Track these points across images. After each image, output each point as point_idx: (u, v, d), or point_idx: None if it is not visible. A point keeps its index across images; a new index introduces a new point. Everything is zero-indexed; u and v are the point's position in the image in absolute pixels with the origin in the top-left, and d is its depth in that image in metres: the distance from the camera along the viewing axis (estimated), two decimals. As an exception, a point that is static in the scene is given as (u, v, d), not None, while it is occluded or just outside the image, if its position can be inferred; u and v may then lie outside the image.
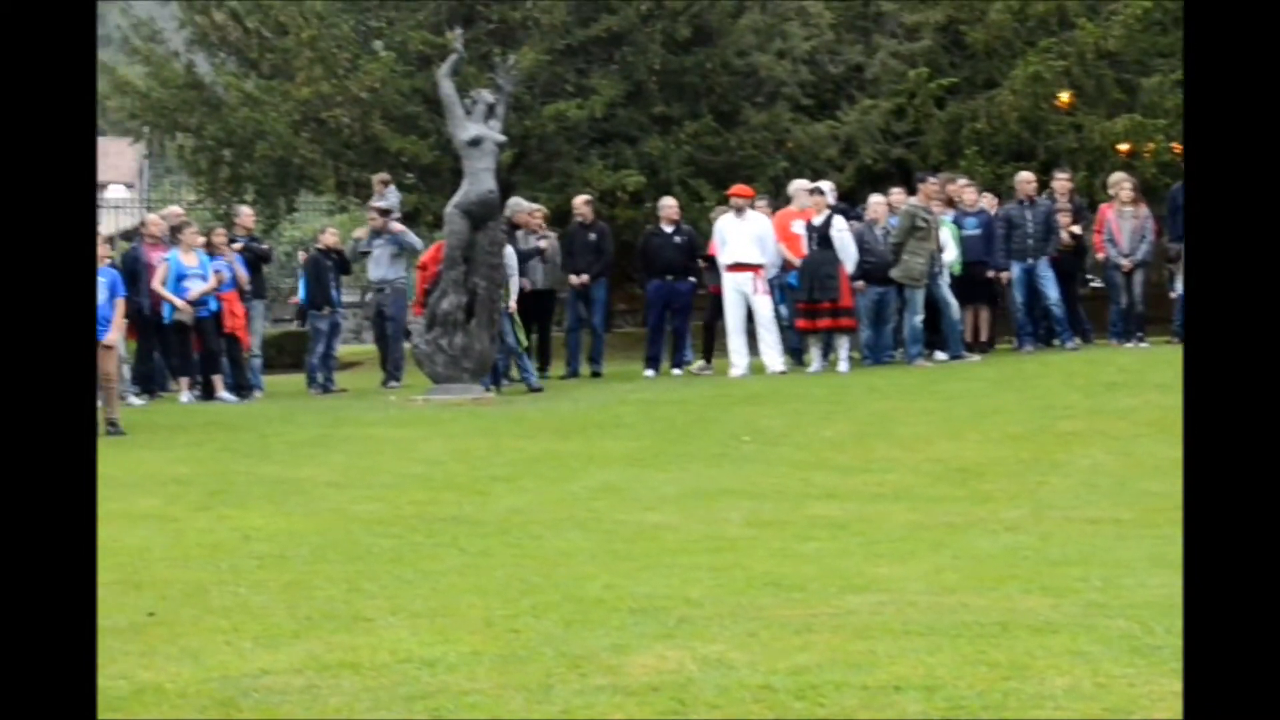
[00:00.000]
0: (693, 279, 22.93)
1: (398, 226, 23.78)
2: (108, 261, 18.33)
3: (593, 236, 23.45)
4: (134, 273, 21.29)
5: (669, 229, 22.99)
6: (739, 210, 21.58)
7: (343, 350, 26.73)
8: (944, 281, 21.16)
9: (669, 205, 23.42)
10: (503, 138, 21.08)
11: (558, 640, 7.50)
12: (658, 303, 23.02)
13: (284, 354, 29.89)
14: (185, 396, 21.29)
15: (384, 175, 25.98)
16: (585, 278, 23.08)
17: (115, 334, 17.88)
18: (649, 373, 22.61)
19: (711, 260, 22.24)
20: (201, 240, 21.96)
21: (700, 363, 22.61)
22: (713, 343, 22.84)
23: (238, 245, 22.55)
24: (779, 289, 21.80)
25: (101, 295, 17.54)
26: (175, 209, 25.75)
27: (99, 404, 17.48)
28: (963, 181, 23.43)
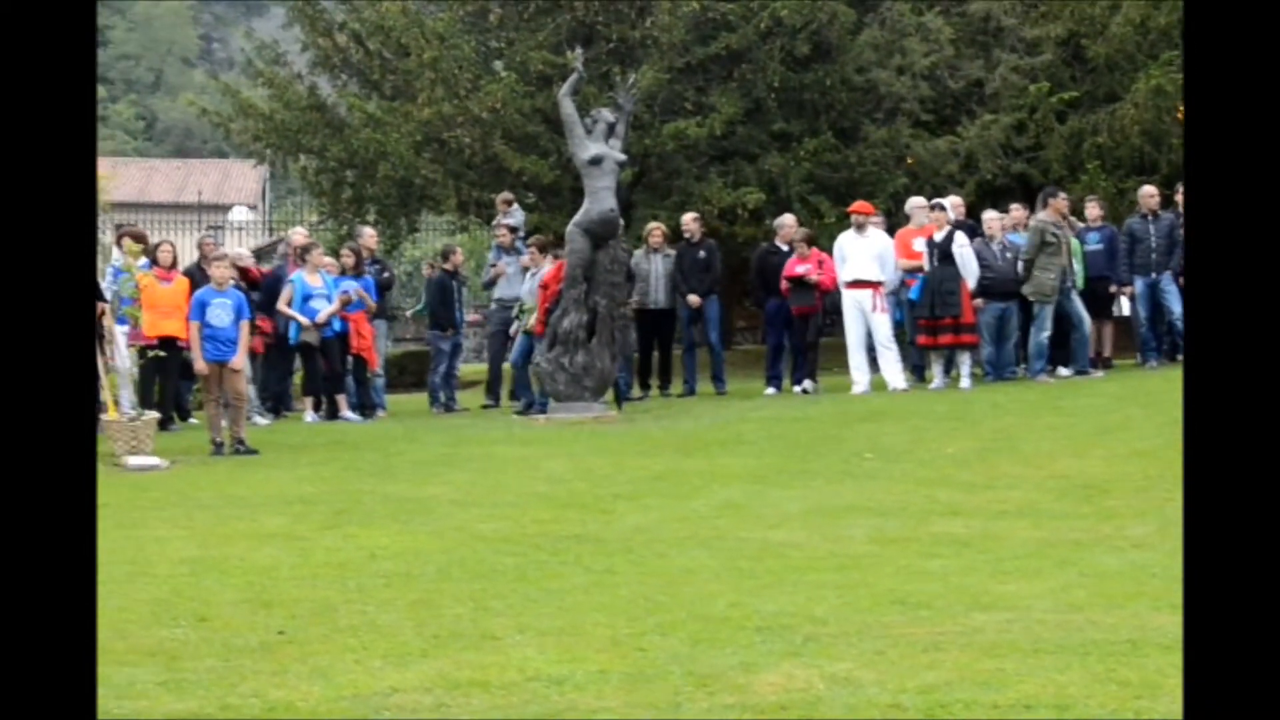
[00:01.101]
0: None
1: (528, 260, 23.74)
2: (231, 283, 18.49)
3: (701, 254, 23.46)
4: (274, 292, 21.57)
5: (785, 247, 22.95)
6: (859, 227, 21.55)
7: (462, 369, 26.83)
8: (1075, 296, 21.08)
9: (786, 224, 23.40)
10: (623, 156, 21.12)
11: (685, 659, 7.51)
12: (777, 321, 22.98)
13: (406, 374, 30.10)
14: (310, 416, 21.47)
15: (507, 195, 26.10)
16: (696, 297, 23.07)
17: (242, 356, 18.04)
18: (770, 391, 22.61)
19: (794, 281, 22.14)
20: (330, 261, 22.18)
21: (809, 383, 22.51)
22: (815, 362, 22.78)
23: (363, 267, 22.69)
24: (899, 304, 21.75)
25: (228, 317, 17.72)
26: (300, 230, 25.96)
27: (225, 423, 17.69)
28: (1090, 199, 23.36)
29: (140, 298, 19.68)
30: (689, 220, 23.97)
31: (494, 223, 25.75)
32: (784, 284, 22.32)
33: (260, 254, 40.52)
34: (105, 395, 18.18)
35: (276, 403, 22.35)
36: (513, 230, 24.19)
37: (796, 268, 22.13)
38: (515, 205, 25.99)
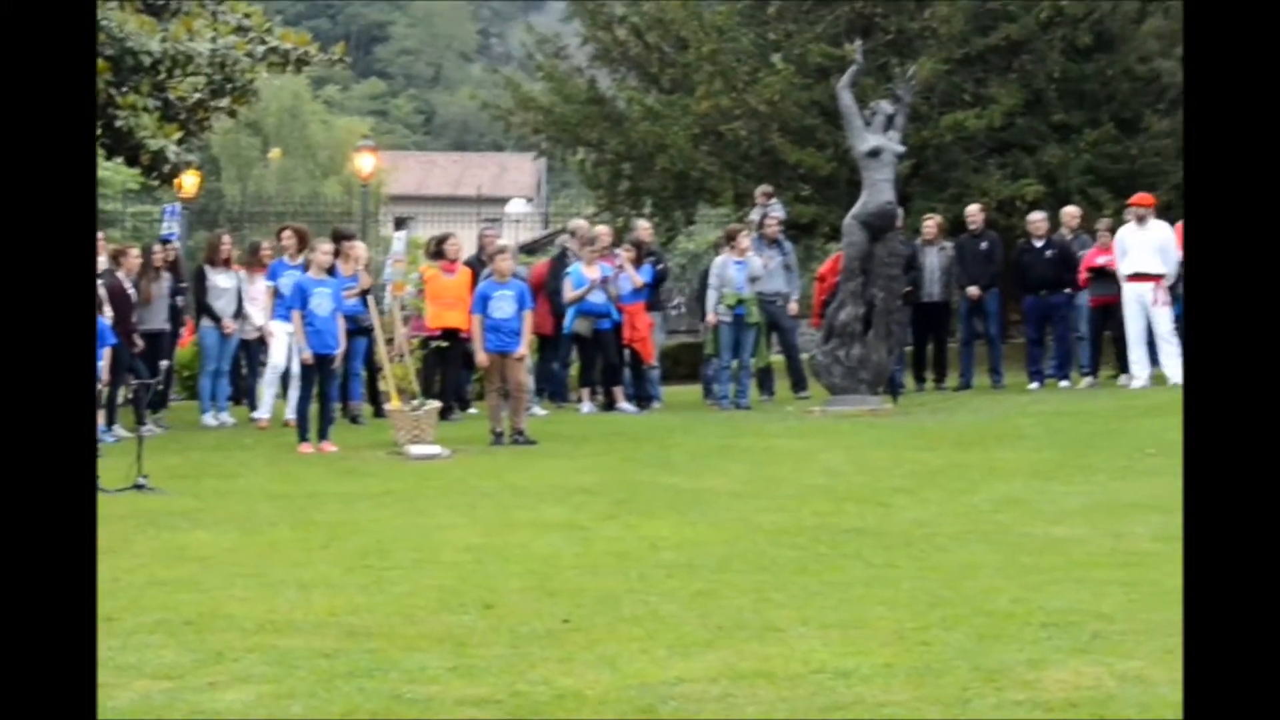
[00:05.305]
0: (1068, 291, 22.55)
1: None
2: (513, 275, 18.70)
3: (984, 245, 23.29)
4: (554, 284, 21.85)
5: (1039, 243, 22.75)
6: (1140, 219, 21.25)
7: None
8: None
9: (1035, 219, 23.16)
10: (901, 148, 21.03)
11: (971, 654, 7.48)
12: (1035, 317, 22.82)
13: (679, 365, 30.16)
14: (586, 407, 21.64)
15: (766, 187, 25.92)
16: (975, 289, 22.92)
17: (524, 347, 18.25)
18: (1033, 385, 22.45)
19: (1096, 271, 21.84)
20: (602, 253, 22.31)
21: (1089, 379, 22.26)
22: (1097, 356, 22.54)
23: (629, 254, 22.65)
24: (1179, 298, 21.41)
25: (511, 308, 17.93)
26: (582, 221, 26.14)
27: (505, 413, 17.90)
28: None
29: (424, 289, 20.04)
30: (974, 211, 23.80)
31: (752, 215, 25.53)
32: (1083, 275, 22.09)
33: (536, 246, 41.01)
34: (388, 386, 18.52)
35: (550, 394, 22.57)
36: (778, 223, 24.03)
37: (1098, 258, 21.84)
38: (776, 199, 25.78)
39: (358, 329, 19.16)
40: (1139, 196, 21.98)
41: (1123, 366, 21.83)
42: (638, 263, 22.20)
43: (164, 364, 18.18)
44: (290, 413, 19.12)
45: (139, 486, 14.10)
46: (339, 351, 17.77)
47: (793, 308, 23.20)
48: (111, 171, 50.04)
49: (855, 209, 20.46)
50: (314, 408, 17.65)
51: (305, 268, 18.48)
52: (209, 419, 20.47)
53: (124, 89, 19.11)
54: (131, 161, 20.26)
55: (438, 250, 20.62)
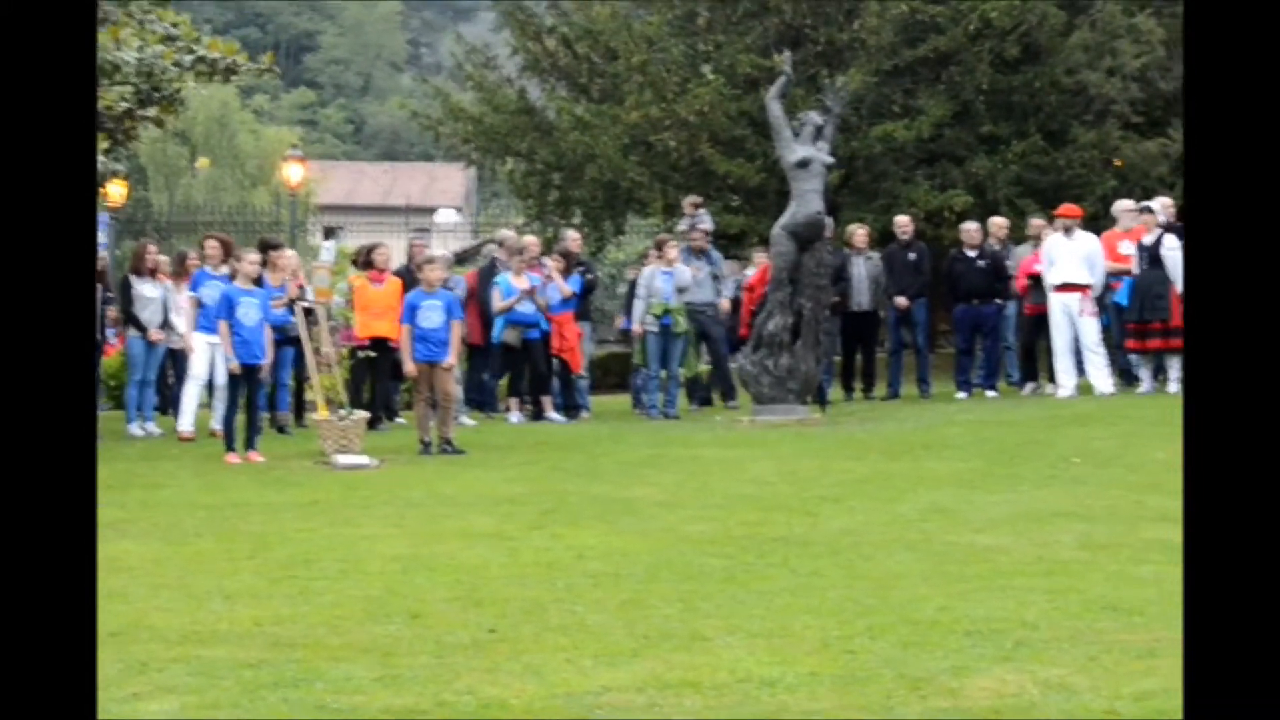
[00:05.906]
0: (999, 301, 22.69)
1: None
2: (442, 284, 18.64)
3: (912, 256, 23.39)
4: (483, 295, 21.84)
5: (972, 253, 22.86)
6: (1067, 230, 21.37)
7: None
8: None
9: (969, 229, 23.27)
10: (830, 159, 21.08)
11: (896, 662, 7.49)
12: (965, 327, 22.91)
13: (609, 375, 30.20)
14: (515, 417, 21.63)
15: (695, 198, 25.95)
16: (904, 300, 23.01)
17: (454, 356, 18.21)
18: (960, 395, 22.56)
19: (1035, 279, 22.00)
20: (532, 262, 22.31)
21: (1031, 385, 22.42)
22: (1032, 364, 22.67)
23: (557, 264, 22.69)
24: (1107, 309, 21.54)
25: (439, 318, 17.89)
26: (510, 232, 26.14)
27: (433, 423, 17.88)
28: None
29: (352, 299, 19.99)
30: (903, 221, 23.92)
31: (682, 226, 25.59)
32: (1023, 281, 22.25)
33: (465, 256, 40.97)
34: (315, 396, 18.44)
35: (479, 404, 22.58)
36: (706, 234, 24.13)
37: (1037, 265, 21.96)
38: (704, 210, 25.83)
39: (285, 339, 19.09)
40: (1066, 208, 22.13)
41: (1051, 376, 21.96)
42: (566, 273, 22.24)
43: (90, 374, 18.06)
44: (216, 423, 19.06)
45: (64, 497, 14.00)
46: (266, 361, 17.70)
47: (724, 304, 23.28)
48: (38, 180, 50.09)
49: (784, 219, 20.48)
50: (241, 418, 17.59)
51: (231, 277, 18.41)
52: (135, 429, 20.37)
53: (50, 97, 18.93)
54: (58, 170, 20.06)
55: (367, 260, 20.60)
